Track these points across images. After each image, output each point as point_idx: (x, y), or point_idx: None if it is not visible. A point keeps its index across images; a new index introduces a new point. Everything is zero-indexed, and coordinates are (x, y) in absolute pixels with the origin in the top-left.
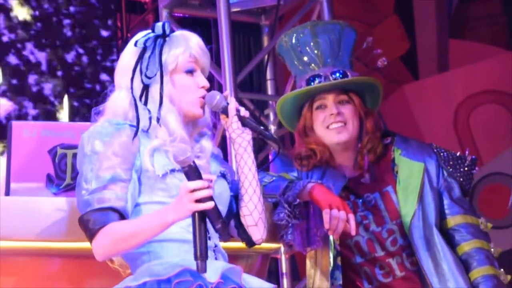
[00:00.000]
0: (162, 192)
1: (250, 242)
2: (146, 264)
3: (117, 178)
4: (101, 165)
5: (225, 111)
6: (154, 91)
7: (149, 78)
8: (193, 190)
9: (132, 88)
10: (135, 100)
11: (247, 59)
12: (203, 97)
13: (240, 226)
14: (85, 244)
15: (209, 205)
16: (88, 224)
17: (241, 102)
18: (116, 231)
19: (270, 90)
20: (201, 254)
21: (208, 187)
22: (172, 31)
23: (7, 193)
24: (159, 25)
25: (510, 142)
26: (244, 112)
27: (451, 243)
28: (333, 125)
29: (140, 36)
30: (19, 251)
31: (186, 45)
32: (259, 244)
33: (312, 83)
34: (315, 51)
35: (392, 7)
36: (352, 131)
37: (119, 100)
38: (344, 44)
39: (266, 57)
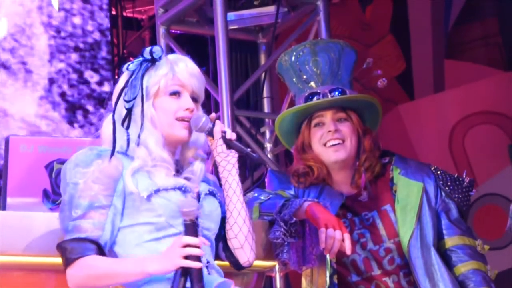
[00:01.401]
0: (148, 212)
1: (237, 265)
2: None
3: (96, 205)
4: (81, 193)
5: (211, 133)
6: (136, 114)
7: (127, 102)
8: (187, 245)
9: (114, 112)
10: (114, 123)
11: (244, 77)
12: (188, 120)
13: (227, 249)
14: None
15: (197, 264)
16: (65, 253)
17: (237, 120)
18: (92, 266)
19: (266, 108)
20: None
21: (200, 248)
22: (169, 52)
23: (3, 207)
24: (147, 49)
25: (505, 163)
26: (230, 135)
27: (448, 264)
28: (330, 142)
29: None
30: (14, 266)
31: (170, 68)
32: (247, 267)
33: (310, 101)
34: (314, 69)
35: (388, 27)
36: (350, 149)
37: (105, 125)
38: (344, 63)
39: (263, 75)
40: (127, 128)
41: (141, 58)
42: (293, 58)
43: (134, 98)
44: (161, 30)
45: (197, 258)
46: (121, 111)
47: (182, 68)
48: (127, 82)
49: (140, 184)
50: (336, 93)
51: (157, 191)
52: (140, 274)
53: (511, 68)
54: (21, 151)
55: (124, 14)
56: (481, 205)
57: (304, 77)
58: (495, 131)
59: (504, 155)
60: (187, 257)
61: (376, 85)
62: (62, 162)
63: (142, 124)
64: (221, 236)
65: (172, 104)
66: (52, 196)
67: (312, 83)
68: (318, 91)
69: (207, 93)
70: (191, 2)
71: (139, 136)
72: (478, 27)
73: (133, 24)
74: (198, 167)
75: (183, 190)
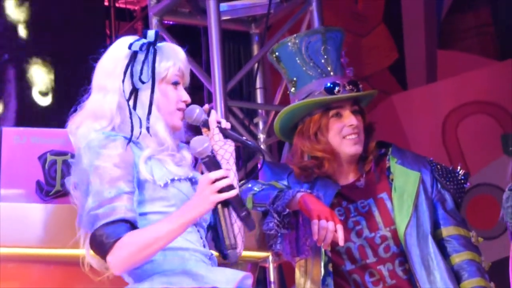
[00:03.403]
0: (161, 201)
1: (226, 255)
2: (153, 273)
3: (122, 191)
4: (105, 179)
5: (205, 124)
6: (144, 97)
7: (143, 82)
8: (215, 181)
9: (124, 91)
10: (129, 107)
11: (237, 68)
12: (181, 110)
13: (217, 239)
14: (73, 251)
15: (233, 193)
16: (102, 238)
17: (230, 111)
18: (133, 242)
19: (259, 98)
20: (231, 244)
21: (228, 176)
22: (161, 40)
23: None
24: (151, 32)
25: (498, 153)
26: (225, 124)
27: (443, 254)
28: (351, 136)
29: (130, 40)
30: (8, 257)
31: (176, 58)
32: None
33: (331, 90)
34: (325, 57)
35: (380, 17)
36: (363, 141)
37: (105, 104)
38: (340, 51)
39: (256, 65)
40: (134, 108)
41: (145, 40)
42: (304, 42)
43: (145, 82)
44: (153, 21)
45: (229, 187)
46: (126, 89)
47: (182, 59)
48: (131, 61)
49: (155, 172)
50: (354, 86)
51: (172, 180)
52: (182, 227)
53: (504, 58)
54: (14, 142)
55: (117, 5)
56: (474, 195)
57: (314, 63)
58: (488, 121)
59: (497, 145)
60: (219, 191)
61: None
62: (55, 153)
63: (150, 108)
64: (211, 226)
65: (173, 93)
66: (46, 188)
67: (324, 71)
68: (336, 81)
69: (200, 84)
70: None
71: (148, 120)
72: (471, 17)
73: (126, 15)
74: (188, 155)
75: (192, 181)
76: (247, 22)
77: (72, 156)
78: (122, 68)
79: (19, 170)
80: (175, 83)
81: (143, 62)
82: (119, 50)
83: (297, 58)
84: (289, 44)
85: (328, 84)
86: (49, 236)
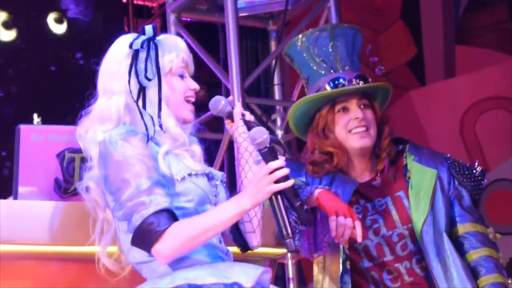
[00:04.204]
0: (180, 197)
1: (245, 248)
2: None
3: (157, 181)
4: (138, 169)
5: (229, 116)
6: (152, 94)
7: (149, 80)
8: (273, 171)
9: (131, 92)
10: (138, 106)
11: (255, 64)
12: (192, 102)
13: (236, 231)
14: (89, 248)
15: (289, 183)
16: (153, 226)
17: (248, 107)
18: (184, 230)
19: (277, 95)
20: (288, 234)
21: (284, 166)
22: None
23: (15, 197)
24: (149, 28)
25: None
26: (249, 117)
27: (460, 251)
28: (357, 129)
29: (129, 39)
30: (26, 255)
31: (178, 50)
32: (254, 250)
33: (335, 85)
34: (333, 54)
35: (399, 13)
36: (373, 136)
37: (111, 106)
38: (356, 48)
39: (273, 62)
40: (143, 107)
41: (144, 37)
42: (311, 40)
43: (151, 79)
44: (171, 18)
45: (286, 177)
46: (134, 89)
47: (183, 49)
48: (133, 60)
49: (172, 167)
50: (361, 80)
51: (190, 175)
52: (236, 217)
53: None
54: (32, 140)
55: (135, 2)
56: (492, 191)
57: (323, 60)
58: (506, 117)
59: None
60: (276, 181)
61: (375, 72)
62: (73, 151)
63: (159, 105)
64: None
65: (180, 85)
66: (64, 185)
67: (332, 68)
68: (343, 76)
69: (218, 81)
70: None
71: (159, 117)
72: (488, 13)
73: (144, 12)
74: (197, 149)
75: (209, 176)
76: (265, 19)
77: None
78: (126, 68)
79: (37, 168)
80: (181, 76)
81: (146, 59)
82: (120, 50)
83: (306, 56)
84: (298, 43)
85: (332, 79)
86: (67, 233)
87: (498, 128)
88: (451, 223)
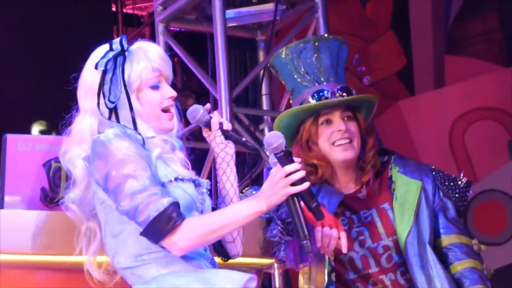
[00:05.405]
0: None
1: (226, 257)
2: (159, 274)
3: (158, 180)
4: (142, 165)
5: (207, 124)
6: (124, 113)
7: (113, 102)
8: (289, 174)
9: (101, 113)
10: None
11: (243, 74)
12: (169, 111)
13: (216, 241)
14: (76, 258)
15: (305, 185)
16: (173, 215)
17: (236, 117)
18: (201, 225)
19: (265, 105)
20: (305, 235)
21: (300, 169)
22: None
23: (1, 206)
24: (116, 41)
25: (505, 159)
26: (227, 126)
27: (445, 262)
28: (340, 141)
29: (99, 55)
30: (12, 264)
31: (147, 59)
32: (234, 258)
33: (316, 98)
34: (317, 66)
35: (388, 23)
36: (357, 148)
37: (85, 126)
38: (341, 59)
39: (261, 72)
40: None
41: (111, 53)
42: (295, 53)
43: (119, 97)
44: (160, 27)
45: (302, 180)
46: (103, 110)
47: (155, 56)
48: (102, 80)
49: (159, 170)
50: (345, 92)
51: (176, 179)
52: (250, 217)
53: (511, 64)
54: (19, 149)
55: (124, 10)
56: (481, 201)
57: (306, 72)
58: (496, 127)
59: (504, 151)
60: (292, 184)
61: (362, 82)
62: (59, 160)
63: (135, 125)
64: None
65: (155, 96)
66: (50, 194)
67: (316, 80)
68: (326, 88)
69: (206, 90)
70: (189, 0)
71: (138, 133)
72: (479, 23)
73: (133, 21)
74: (180, 156)
75: (196, 183)
76: (253, 29)
77: None
78: (96, 87)
79: (23, 177)
80: (155, 87)
81: (111, 80)
82: (90, 68)
83: (290, 69)
84: (282, 56)
85: (315, 91)
86: (54, 243)
87: (487, 139)
88: (436, 235)
